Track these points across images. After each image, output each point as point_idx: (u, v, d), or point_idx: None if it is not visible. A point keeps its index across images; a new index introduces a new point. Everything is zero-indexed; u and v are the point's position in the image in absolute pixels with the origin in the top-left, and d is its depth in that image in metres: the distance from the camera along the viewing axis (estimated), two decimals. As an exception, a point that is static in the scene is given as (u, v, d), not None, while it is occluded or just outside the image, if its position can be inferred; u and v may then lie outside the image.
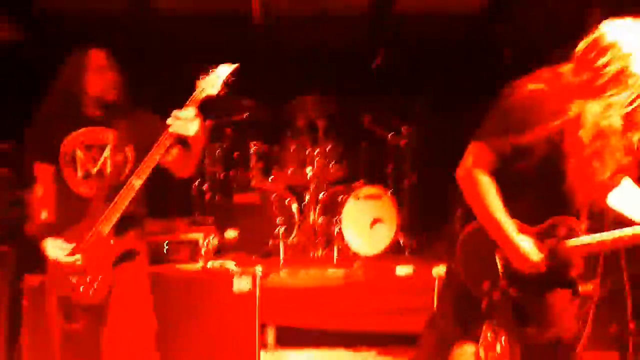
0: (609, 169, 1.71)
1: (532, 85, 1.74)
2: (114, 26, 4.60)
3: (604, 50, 1.65)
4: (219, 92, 2.09)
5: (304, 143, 4.19)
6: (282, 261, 3.63)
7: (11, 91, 3.92)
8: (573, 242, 1.79)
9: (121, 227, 2.12)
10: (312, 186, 4.09)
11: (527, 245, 1.78)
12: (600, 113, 1.64)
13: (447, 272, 2.08)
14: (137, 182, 2.08)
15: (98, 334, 2.16)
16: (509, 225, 1.77)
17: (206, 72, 2.10)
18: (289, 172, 4.10)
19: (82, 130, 2.20)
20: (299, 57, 5.03)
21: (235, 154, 4.34)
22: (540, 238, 1.81)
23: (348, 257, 3.80)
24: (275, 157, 4.22)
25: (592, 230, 1.82)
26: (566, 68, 1.75)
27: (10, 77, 4.04)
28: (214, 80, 2.08)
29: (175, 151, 2.21)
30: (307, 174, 4.07)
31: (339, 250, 3.83)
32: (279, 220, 3.83)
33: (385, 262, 3.73)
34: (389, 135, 4.43)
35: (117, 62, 2.26)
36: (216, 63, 2.14)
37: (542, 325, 1.87)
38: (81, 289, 2.11)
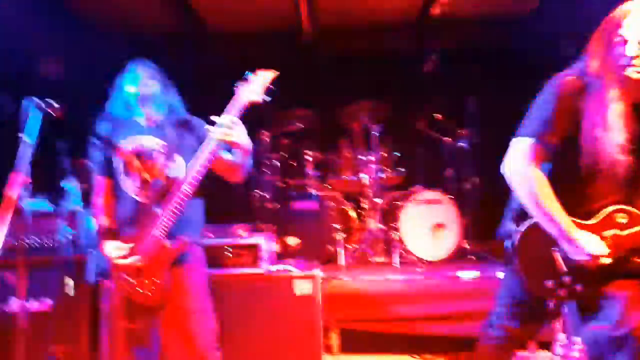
0: None
1: (570, 77, 1.75)
2: (169, 43, 4.85)
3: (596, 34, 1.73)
4: (262, 99, 2.14)
5: (359, 150, 4.20)
6: (342, 266, 3.61)
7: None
8: (635, 229, 1.74)
9: (176, 231, 2.19)
10: (369, 192, 4.07)
11: (588, 239, 1.72)
12: (609, 99, 1.66)
13: (505, 273, 2.02)
14: (187, 188, 2.14)
15: (157, 334, 2.23)
16: (566, 220, 1.73)
17: (245, 79, 2.16)
18: (346, 179, 4.11)
19: (138, 140, 2.33)
20: (350, 65, 5.07)
21: (293, 162, 4.40)
22: (599, 231, 1.75)
23: (409, 262, 3.74)
24: (331, 164, 4.24)
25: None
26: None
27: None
28: (255, 87, 2.13)
29: (226, 156, 2.27)
30: (363, 180, 4.06)
31: (399, 255, 3.77)
32: (337, 226, 3.82)
33: (448, 267, 3.63)
34: (446, 139, 4.36)
35: (165, 76, 2.37)
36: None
37: (613, 320, 1.76)
38: (139, 291, 2.19)
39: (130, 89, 2.32)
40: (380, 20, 5.02)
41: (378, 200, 4.09)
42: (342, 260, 3.67)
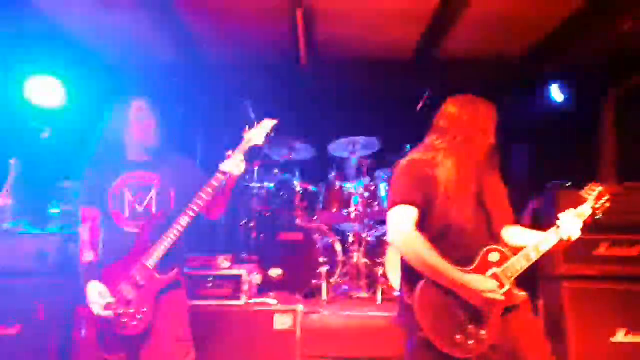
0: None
1: (414, 155, 2.12)
2: (165, 75, 4.92)
3: (447, 119, 2.12)
4: (263, 142, 2.39)
5: (348, 183, 4.22)
6: (324, 301, 3.60)
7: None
8: (509, 262, 1.98)
9: (165, 262, 2.26)
10: (355, 226, 4.08)
11: (477, 279, 1.91)
12: (459, 166, 2.02)
13: (415, 343, 2.01)
14: (184, 220, 2.25)
15: None
16: (454, 270, 1.91)
17: (252, 125, 2.39)
18: (333, 211, 4.12)
19: (130, 173, 2.40)
20: (344, 99, 5.14)
21: (281, 193, 4.42)
22: (481, 273, 1.96)
23: (392, 298, 3.72)
24: (320, 196, 4.26)
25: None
26: (431, 138, 2.15)
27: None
28: (259, 132, 2.36)
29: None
30: (350, 214, 4.07)
31: (382, 291, 3.76)
32: (322, 259, 3.82)
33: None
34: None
35: (156, 109, 2.46)
36: (265, 107, 2.31)
37: (517, 354, 1.94)
38: (124, 321, 2.20)
39: (126, 122, 2.39)
40: (377, 56, 5.11)
41: (364, 235, 4.09)
42: (324, 294, 3.66)
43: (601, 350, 2.90)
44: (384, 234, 4.09)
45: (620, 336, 2.94)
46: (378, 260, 3.92)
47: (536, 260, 2.01)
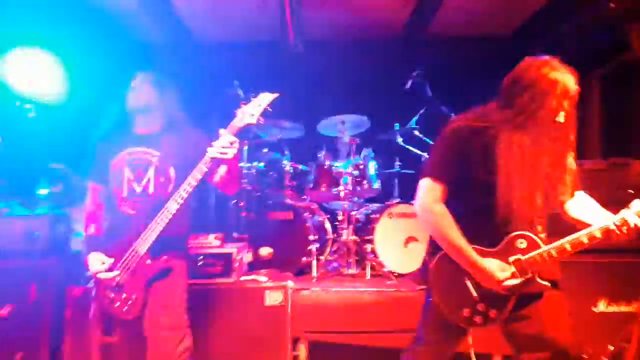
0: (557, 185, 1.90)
1: (464, 122, 1.93)
2: (160, 55, 4.88)
3: (524, 89, 1.85)
4: (258, 120, 2.18)
5: (337, 162, 4.24)
6: (314, 278, 3.65)
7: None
8: (536, 252, 1.88)
9: (158, 247, 2.19)
10: (345, 204, 4.12)
11: (493, 265, 1.86)
12: (527, 144, 1.83)
13: (429, 304, 2.05)
14: (173, 206, 2.15)
15: (131, 349, 2.27)
16: (471, 251, 1.87)
17: (247, 101, 2.19)
18: (322, 190, 4.15)
19: (130, 150, 2.33)
20: (334, 77, 5.13)
21: (271, 172, 4.43)
22: (502, 257, 1.88)
23: (381, 274, 3.79)
24: (309, 175, 4.29)
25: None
26: (494, 104, 1.94)
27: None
28: (254, 109, 2.17)
29: (223, 169, 2.28)
30: (340, 192, 4.10)
31: (372, 267, 3.82)
32: (312, 237, 3.86)
33: (419, 280, 3.68)
34: (423, 154, 4.43)
35: (169, 85, 2.39)
36: (254, 87, 2.25)
37: (536, 339, 1.88)
38: (117, 305, 2.20)
39: (128, 97, 2.34)
40: (366, 34, 5.09)
41: (353, 213, 4.14)
42: (314, 271, 3.71)
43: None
44: (373, 212, 4.14)
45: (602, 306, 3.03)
46: (367, 238, 3.97)
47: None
